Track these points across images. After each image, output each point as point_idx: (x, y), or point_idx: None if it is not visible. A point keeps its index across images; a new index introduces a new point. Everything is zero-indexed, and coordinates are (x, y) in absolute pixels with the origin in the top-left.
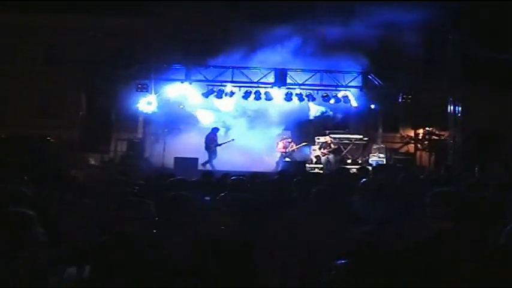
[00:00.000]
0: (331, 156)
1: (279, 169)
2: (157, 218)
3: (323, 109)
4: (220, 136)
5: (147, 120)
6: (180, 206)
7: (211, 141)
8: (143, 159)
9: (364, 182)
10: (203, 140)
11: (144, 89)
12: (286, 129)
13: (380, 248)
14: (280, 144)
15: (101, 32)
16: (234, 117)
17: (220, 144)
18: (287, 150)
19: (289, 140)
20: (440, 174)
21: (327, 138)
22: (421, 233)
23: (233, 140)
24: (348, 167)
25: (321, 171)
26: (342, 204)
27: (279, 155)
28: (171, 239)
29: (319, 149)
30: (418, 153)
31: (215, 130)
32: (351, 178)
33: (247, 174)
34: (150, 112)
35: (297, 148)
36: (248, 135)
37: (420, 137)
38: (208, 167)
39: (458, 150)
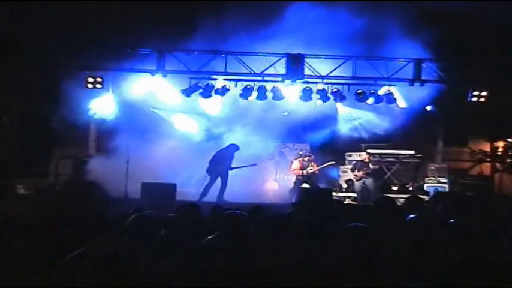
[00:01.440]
0: (368, 181)
1: (294, 199)
2: None
3: (358, 113)
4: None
5: (102, 129)
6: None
7: (221, 161)
8: (96, 185)
9: (412, 219)
10: (192, 160)
11: (98, 84)
12: (303, 141)
13: None
14: (296, 164)
15: None
16: (227, 125)
17: (233, 168)
18: (305, 173)
19: (309, 157)
20: None
21: (363, 155)
22: None
23: (256, 164)
24: (394, 196)
25: (354, 203)
26: (383, 256)
27: (293, 179)
28: None
29: (352, 170)
30: (497, 175)
31: (232, 148)
32: (397, 213)
33: (247, 207)
34: (106, 118)
35: (319, 169)
36: (248, 151)
37: (500, 153)
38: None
39: None
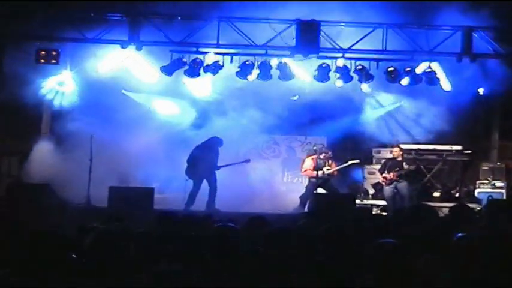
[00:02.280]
0: (402, 185)
1: (306, 208)
2: None
3: (389, 97)
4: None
5: (57, 118)
6: None
7: (202, 160)
8: (48, 190)
9: (460, 238)
10: (176, 157)
11: (52, 59)
12: (317, 134)
13: None
14: (309, 163)
15: None
16: (220, 112)
17: (220, 167)
18: (321, 174)
19: (325, 154)
20: None
21: (396, 152)
22: None
23: (249, 160)
24: (435, 204)
25: (384, 213)
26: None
27: (306, 182)
28: None
29: (381, 171)
30: None
31: (215, 143)
32: (440, 228)
33: (246, 218)
34: (62, 103)
35: (338, 170)
36: (246, 145)
37: None
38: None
39: None
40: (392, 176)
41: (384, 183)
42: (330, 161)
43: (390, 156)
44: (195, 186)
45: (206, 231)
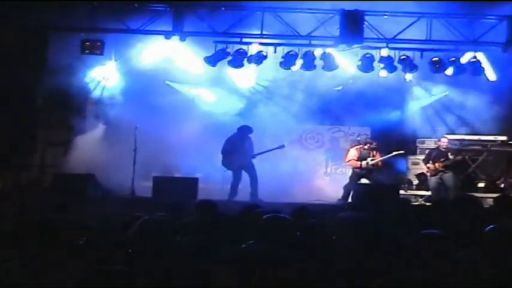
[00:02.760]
0: (447, 176)
1: (350, 199)
2: None
3: (433, 87)
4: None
5: (102, 109)
6: None
7: (236, 150)
8: (93, 180)
9: (491, 230)
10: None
11: (96, 50)
12: (361, 124)
13: None
14: (353, 153)
15: None
16: (262, 101)
17: (256, 155)
18: (365, 164)
19: (370, 145)
20: None
21: (442, 142)
22: None
23: (283, 146)
24: (479, 195)
25: (428, 203)
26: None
27: (349, 172)
28: None
29: (426, 162)
30: None
31: (245, 131)
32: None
33: (289, 208)
34: (107, 94)
35: (383, 160)
36: (291, 136)
37: None
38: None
39: None
40: (437, 167)
41: (428, 174)
42: (374, 152)
43: (435, 146)
44: (235, 176)
45: (255, 221)
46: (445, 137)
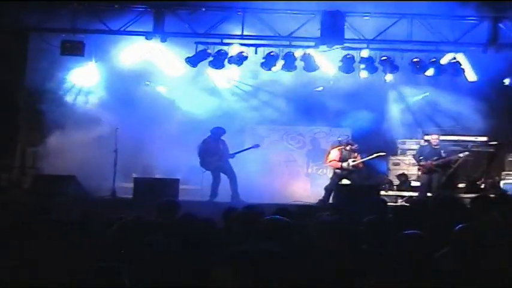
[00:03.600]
0: (437, 175)
1: (331, 200)
2: None
3: (414, 88)
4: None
5: (83, 109)
6: None
7: (212, 152)
8: (74, 182)
9: (459, 230)
10: (194, 149)
11: (77, 50)
12: (343, 125)
13: None
14: (334, 154)
15: None
16: (243, 102)
17: (233, 155)
18: (346, 165)
19: (351, 146)
20: None
21: (433, 139)
22: None
23: (258, 145)
24: (461, 196)
25: (408, 204)
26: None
27: (331, 173)
28: None
29: (417, 159)
30: None
31: (218, 133)
32: (465, 217)
33: (269, 209)
34: (87, 95)
35: (363, 162)
36: (271, 137)
37: None
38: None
39: None
40: (430, 165)
41: (420, 172)
42: (355, 153)
43: (424, 143)
44: (213, 177)
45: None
46: (435, 135)
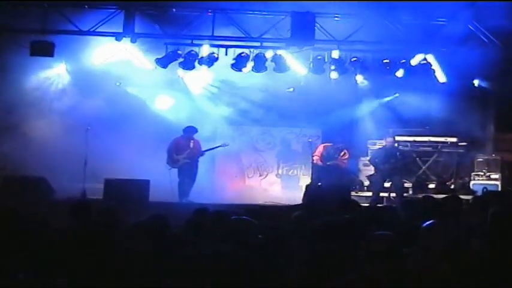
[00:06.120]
0: (396, 178)
1: (301, 200)
2: None
3: (384, 89)
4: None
5: (52, 109)
6: None
7: (180, 150)
8: (44, 183)
9: (428, 226)
10: (165, 150)
11: (47, 52)
12: (314, 126)
13: None
14: (319, 149)
15: None
16: (214, 103)
17: (202, 153)
18: (329, 163)
19: (337, 145)
20: None
21: (387, 142)
22: None
23: (227, 144)
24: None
25: (380, 205)
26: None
27: (300, 174)
28: None
29: (374, 163)
30: None
31: (190, 131)
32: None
33: (238, 210)
34: (57, 96)
35: (345, 160)
36: (242, 138)
37: None
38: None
39: None
40: (385, 167)
41: (375, 173)
42: (344, 151)
43: (379, 146)
44: (180, 176)
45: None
46: (390, 137)
